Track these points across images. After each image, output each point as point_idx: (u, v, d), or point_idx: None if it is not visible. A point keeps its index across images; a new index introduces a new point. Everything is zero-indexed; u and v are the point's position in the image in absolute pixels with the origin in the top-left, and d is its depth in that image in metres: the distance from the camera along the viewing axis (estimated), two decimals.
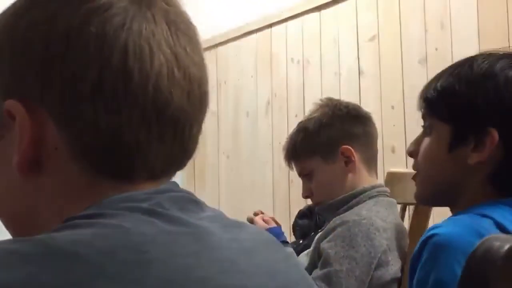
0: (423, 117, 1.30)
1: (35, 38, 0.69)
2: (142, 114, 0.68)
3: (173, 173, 0.74)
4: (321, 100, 2.06)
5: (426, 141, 1.28)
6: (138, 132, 0.68)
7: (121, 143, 0.68)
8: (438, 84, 1.27)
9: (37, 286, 0.55)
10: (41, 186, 0.70)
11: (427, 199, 1.34)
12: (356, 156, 1.93)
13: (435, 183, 1.28)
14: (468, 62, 1.26)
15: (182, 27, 0.73)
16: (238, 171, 3.83)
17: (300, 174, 2.01)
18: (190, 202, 0.70)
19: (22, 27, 0.70)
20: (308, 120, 2.00)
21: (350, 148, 1.92)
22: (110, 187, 0.68)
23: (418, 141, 1.31)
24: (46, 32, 0.69)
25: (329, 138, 1.94)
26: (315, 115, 1.99)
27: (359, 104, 2.11)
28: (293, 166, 2.01)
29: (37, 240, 0.59)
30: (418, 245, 1.16)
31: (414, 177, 1.35)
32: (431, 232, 1.14)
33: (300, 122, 2.03)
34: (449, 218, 1.22)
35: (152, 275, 0.59)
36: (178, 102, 0.70)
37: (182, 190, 0.71)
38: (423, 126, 1.31)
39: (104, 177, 0.68)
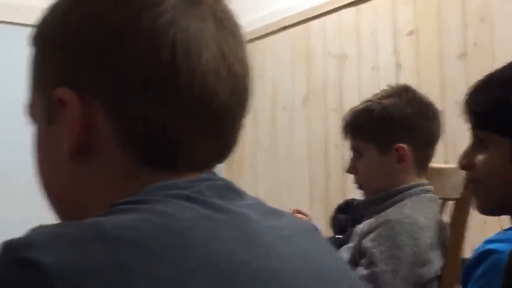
0: (473, 129, 1.29)
1: (89, 30, 0.72)
2: (187, 109, 0.71)
3: (214, 166, 0.76)
4: (397, 85, 1.99)
5: (484, 155, 1.27)
6: (183, 125, 0.71)
7: (166, 135, 0.71)
8: (491, 97, 1.24)
9: (85, 268, 0.57)
10: (88, 172, 0.73)
11: (491, 210, 1.34)
12: (411, 157, 1.88)
13: (499, 195, 1.28)
14: None
15: (228, 24, 0.75)
16: (275, 165, 3.85)
17: (351, 149, 1.97)
18: (230, 190, 0.73)
19: (76, 19, 0.73)
20: (377, 103, 1.92)
21: (407, 148, 1.87)
22: (153, 175, 0.71)
23: (469, 154, 1.31)
24: (100, 24, 0.71)
25: (390, 131, 1.88)
26: (385, 101, 1.91)
27: (431, 101, 2.01)
28: (348, 139, 1.97)
29: (85, 224, 0.62)
30: (474, 254, 1.15)
31: (471, 189, 1.36)
32: (490, 246, 1.13)
33: (369, 101, 1.95)
34: (504, 233, 1.20)
35: (194, 259, 0.61)
36: (222, 98, 0.73)
37: (222, 179, 0.74)
38: (473, 138, 1.29)
39: (148, 166, 0.71)
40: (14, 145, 3.47)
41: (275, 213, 0.75)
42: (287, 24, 3.80)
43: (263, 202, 0.76)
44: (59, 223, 0.68)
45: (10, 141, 3.53)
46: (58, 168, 0.75)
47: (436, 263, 1.78)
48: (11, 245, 0.59)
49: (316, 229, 0.80)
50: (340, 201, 2.77)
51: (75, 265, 0.57)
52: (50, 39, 0.76)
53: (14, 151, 3.50)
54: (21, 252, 0.58)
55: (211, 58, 0.71)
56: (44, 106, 0.75)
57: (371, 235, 1.77)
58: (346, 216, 2.57)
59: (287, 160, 3.77)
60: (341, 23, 3.50)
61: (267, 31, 3.91)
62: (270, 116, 3.91)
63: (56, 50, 0.74)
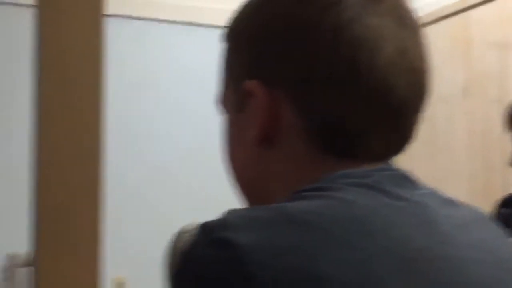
0: None
1: (277, 27, 0.76)
2: (366, 102, 0.73)
3: (390, 157, 0.79)
4: None
5: None
6: (362, 118, 0.74)
7: (345, 126, 0.74)
8: None
9: (275, 249, 0.61)
10: (272, 159, 0.77)
11: None
12: None
13: None
14: None
15: (408, 21, 0.77)
16: (433, 158, 3.78)
17: None
18: (406, 179, 0.75)
19: (265, 17, 0.78)
20: None
21: None
22: (333, 165, 0.74)
23: None
24: (286, 22, 0.75)
25: None
26: None
27: None
28: (510, 131, 1.94)
29: (274, 208, 0.66)
30: None
31: None
32: None
33: None
34: None
35: (374, 244, 0.64)
36: (401, 93, 0.75)
37: (398, 169, 0.76)
38: None
39: (328, 156, 0.75)
40: (192, 144, 3.59)
41: (450, 203, 0.76)
42: (446, 13, 3.71)
43: (438, 192, 0.77)
44: (249, 207, 0.74)
45: (191, 140, 3.63)
46: (246, 155, 0.80)
47: None
48: (208, 226, 0.64)
49: (489, 218, 0.80)
50: (501, 195, 2.68)
51: (266, 246, 0.61)
52: (241, 35, 0.80)
53: (187, 150, 3.61)
54: (217, 232, 0.62)
55: (390, 54, 0.73)
56: (235, 97, 0.80)
57: None
58: (510, 210, 2.49)
59: (445, 152, 3.69)
60: (503, 10, 3.38)
61: (425, 21, 3.84)
62: (428, 107, 3.84)
63: (246, 45, 0.79)
